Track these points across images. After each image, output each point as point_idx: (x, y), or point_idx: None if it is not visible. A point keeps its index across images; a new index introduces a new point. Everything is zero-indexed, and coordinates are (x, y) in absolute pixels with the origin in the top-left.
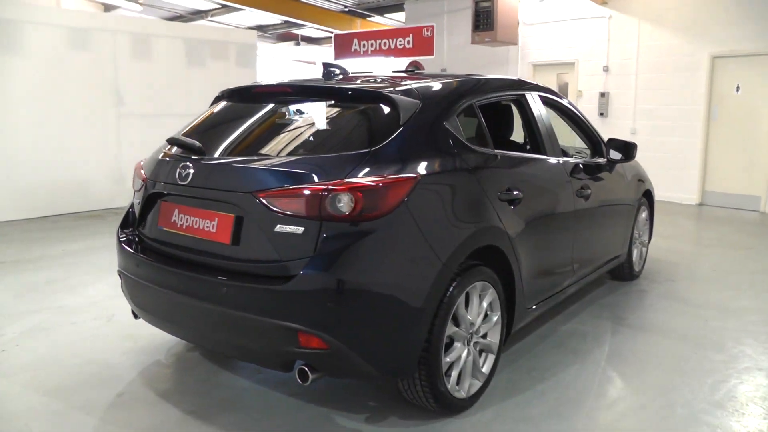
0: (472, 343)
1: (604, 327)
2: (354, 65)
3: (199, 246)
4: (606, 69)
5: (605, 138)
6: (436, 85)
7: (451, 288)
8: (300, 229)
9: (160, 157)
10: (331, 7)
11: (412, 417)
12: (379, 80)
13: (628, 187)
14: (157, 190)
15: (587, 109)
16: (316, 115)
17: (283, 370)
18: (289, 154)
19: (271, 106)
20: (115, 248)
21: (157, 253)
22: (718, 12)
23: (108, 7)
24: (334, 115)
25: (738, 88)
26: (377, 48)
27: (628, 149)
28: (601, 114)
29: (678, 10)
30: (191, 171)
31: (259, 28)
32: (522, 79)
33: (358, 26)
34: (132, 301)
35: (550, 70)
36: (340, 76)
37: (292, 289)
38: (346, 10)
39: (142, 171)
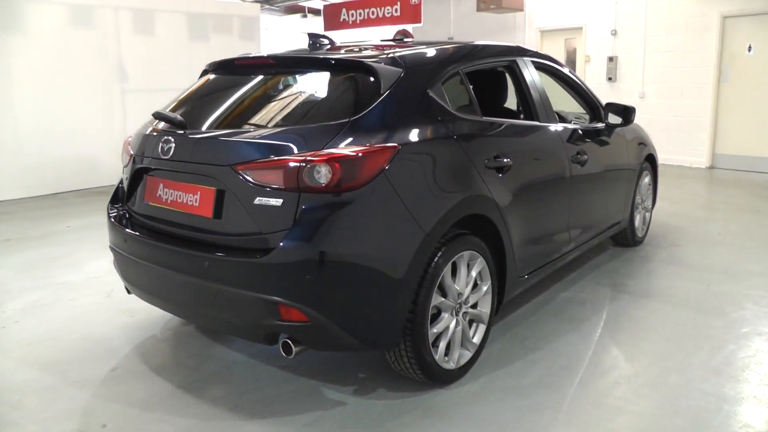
0: (461, 314)
1: (604, 294)
2: (353, 37)
3: (183, 220)
4: (614, 33)
5: (605, 102)
6: (420, 53)
7: (436, 258)
8: (279, 201)
9: (146, 132)
10: None
11: (401, 389)
12: (363, 49)
13: (629, 152)
14: (143, 165)
15: (596, 74)
16: (299, 86)
17: (267, 344)
18: (270, 126)
19: (254, 78)
20: None
21: (144, 228)
22: None
23: None
24: (315, 86)
25: (750, 48)
26: (366, 17)
27: (626, 113)
28: (610, 78)
29: None
30: (173, 145)
31: (266, 0)
32: (512, 44)
33: None
34: (122, 276)
35: (558, 35)
36: (328, 47)
37: (272, 262)
38: None
39: (129, 146)
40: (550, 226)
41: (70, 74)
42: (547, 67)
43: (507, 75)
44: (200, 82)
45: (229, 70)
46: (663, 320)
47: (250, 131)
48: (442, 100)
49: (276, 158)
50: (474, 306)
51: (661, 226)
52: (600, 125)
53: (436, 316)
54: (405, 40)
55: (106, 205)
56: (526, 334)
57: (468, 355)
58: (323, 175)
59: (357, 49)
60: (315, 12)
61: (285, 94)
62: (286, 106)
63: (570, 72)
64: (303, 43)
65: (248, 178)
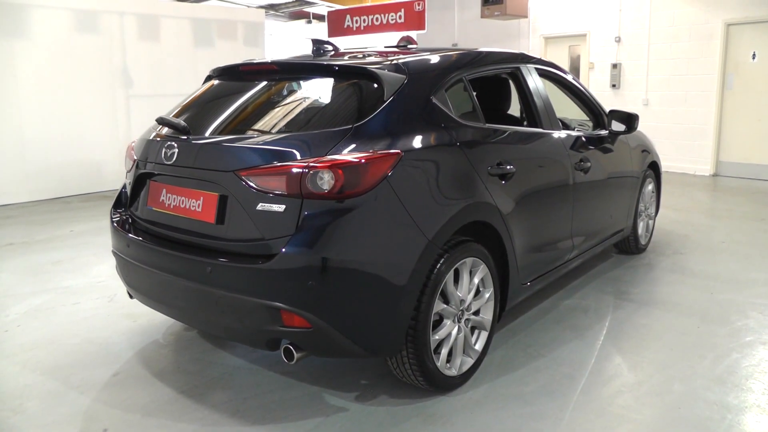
0: (463, 320)
1: (607, 302)
2: (357, 43)
3: (185, 225)
4: (618, 40)
5: (608, 109)
6: (424, 60)
7: (439, 265)
8: (281, 207)
9: (150, 138)
10: None
11: (403, 395)
12: (367, 56)
13: (632, 159)
14: (147, 170)
15: (599, 81)
16: (302, 92)
17: (269, 350)
18: (273, 132)
19: (258, 84)
20: None
21: (146, 233)
22: None
23: None
24: (319, 92)
25: (754, 55)
26: (370, 24)
27: (630, 120)
28: (614, 85)
29: None
30: (176, 151)
31: (271, 6)
32: (517, 51)
33: (368, 3)
34: (125, 281)
35: (562, 42)
36: (331, 53)
37: (274, 268)
38: None
39: (133, 151)
40: (553, 233)
41: (75, 79)
42: (550, 74)
43: (511, 82)
44: (204, 88)
45: (233, 76)
46: (666, 328)
47: (254, 137)
48: (445, 106)
49: (279, 164)
50: (476, 313)
51: (664, 234)
52: (603, 132)
53: (438, 323)
54: (409, 46)
55: (110, 209)
56: (529, 342)
57: (470, 362)
58: (326, 181)
59: (361, 56)
60: (319, 18)
61: (288, 100)
62: (289, 112)
63: (573, 79)
64: (307, 49)
65: (251, 183)
